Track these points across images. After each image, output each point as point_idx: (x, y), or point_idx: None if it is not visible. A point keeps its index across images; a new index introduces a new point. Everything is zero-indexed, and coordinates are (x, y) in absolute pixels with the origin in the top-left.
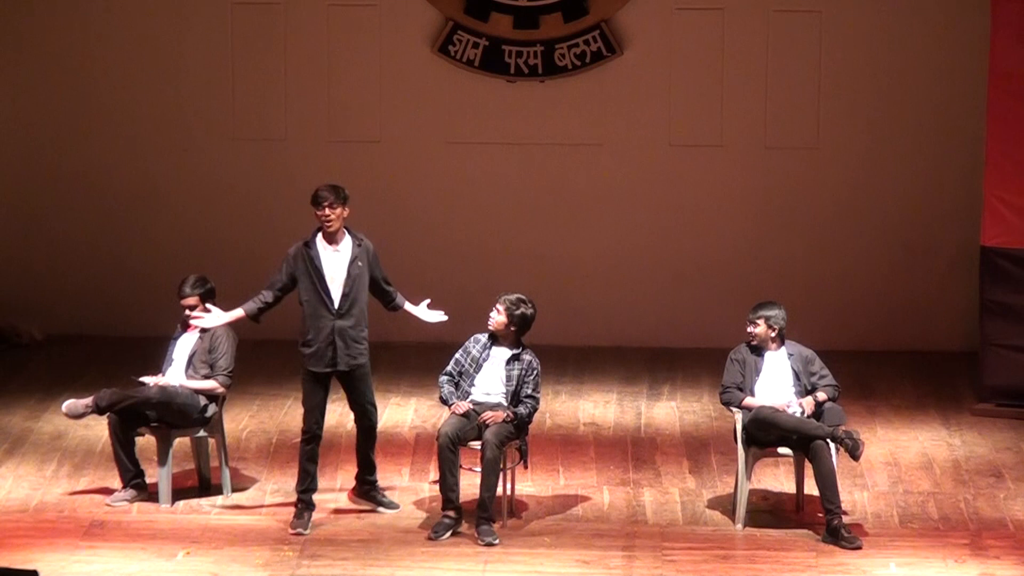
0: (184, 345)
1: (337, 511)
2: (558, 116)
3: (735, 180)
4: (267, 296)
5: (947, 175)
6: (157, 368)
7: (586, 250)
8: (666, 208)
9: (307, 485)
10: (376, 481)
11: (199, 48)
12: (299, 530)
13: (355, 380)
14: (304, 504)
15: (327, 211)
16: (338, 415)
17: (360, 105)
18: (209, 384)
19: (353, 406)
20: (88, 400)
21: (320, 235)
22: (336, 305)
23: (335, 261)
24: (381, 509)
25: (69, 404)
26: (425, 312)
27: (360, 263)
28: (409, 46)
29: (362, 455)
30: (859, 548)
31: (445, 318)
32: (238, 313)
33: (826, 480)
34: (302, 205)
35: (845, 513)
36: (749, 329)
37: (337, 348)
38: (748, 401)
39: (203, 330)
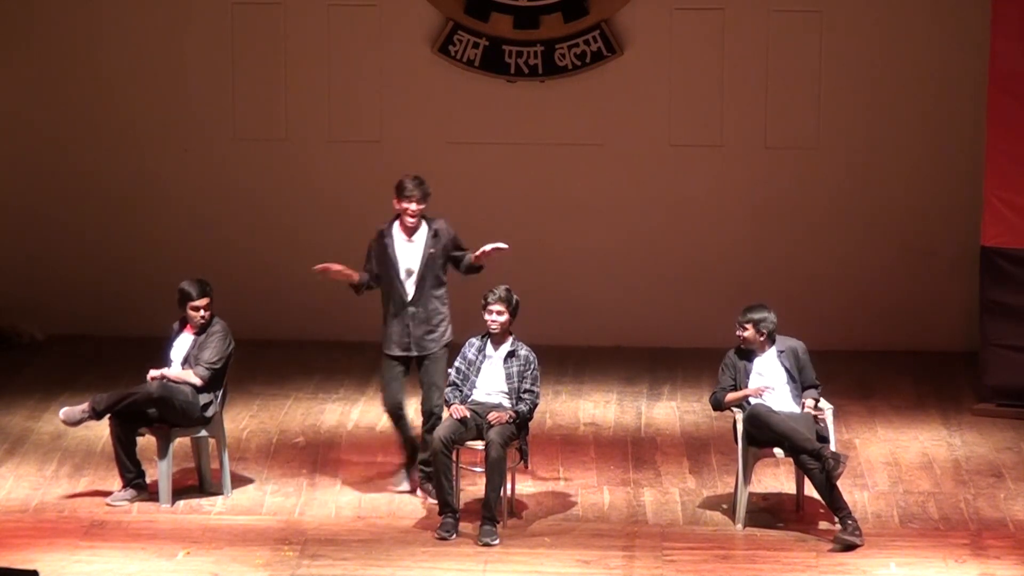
0: (182, 344)
1: (337, 511)
2: (558, 116)
3: (735, 180)
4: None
5: (947, 175)
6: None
7: (586, 250)
8: (666, 208)
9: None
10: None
11: (199, 48)
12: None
13: (427, 363)
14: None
15: (412, 205)
16: (339, 415)
17: (360, 105)
18: (185, 374)
19: (421, 386)
20: (84, 406)
21: (398, 223)
22: (410, 294)
23: (410, 251)
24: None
25: (66, 411)
26: (488, 249)
27: (433, 250)
28: (409, 46)
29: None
30: (851, 548)
31: (504, 246)
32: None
33: (821, 491)
34: (303, 205)
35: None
36: (738, 333)
37: (411, 335)
38: (731, 396)
39: (200, 330)
